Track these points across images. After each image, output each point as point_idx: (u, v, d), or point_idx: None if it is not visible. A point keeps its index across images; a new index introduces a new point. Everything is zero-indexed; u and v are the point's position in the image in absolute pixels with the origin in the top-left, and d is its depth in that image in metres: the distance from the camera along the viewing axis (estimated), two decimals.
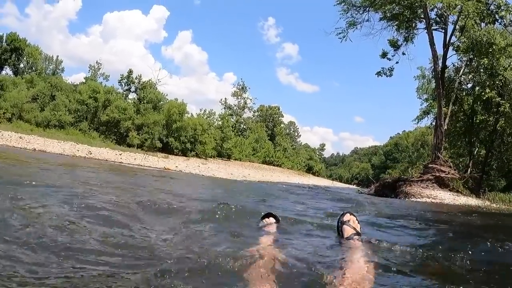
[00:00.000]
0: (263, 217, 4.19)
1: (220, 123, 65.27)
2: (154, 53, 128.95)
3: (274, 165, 72.96)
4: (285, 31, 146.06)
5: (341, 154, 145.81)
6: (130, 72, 51.77)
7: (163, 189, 9.45)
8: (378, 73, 29.20)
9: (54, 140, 31.06)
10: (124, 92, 51.62)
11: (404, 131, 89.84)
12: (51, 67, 64.26)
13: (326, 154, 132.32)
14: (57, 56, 67.64)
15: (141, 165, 25.22)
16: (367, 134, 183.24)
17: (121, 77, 51.70)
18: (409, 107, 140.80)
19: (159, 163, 28.92)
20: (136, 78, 52.00)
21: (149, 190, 8.53)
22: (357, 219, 3.68)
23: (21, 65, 63.33)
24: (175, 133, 48.96)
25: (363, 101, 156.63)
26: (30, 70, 58.10)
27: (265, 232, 3.83)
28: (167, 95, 55.43)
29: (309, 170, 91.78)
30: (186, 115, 52.45)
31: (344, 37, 27.18)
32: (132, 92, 52.85)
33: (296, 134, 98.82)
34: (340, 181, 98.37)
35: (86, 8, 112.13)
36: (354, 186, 74.73)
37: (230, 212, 4.80)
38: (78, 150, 27.16)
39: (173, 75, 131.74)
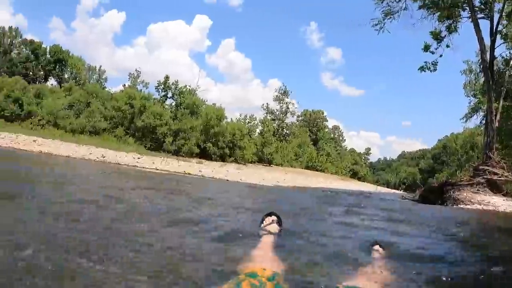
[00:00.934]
0: (266, 216, 4.14)
1: (261, 128, 62.92)
2: (198, 62, 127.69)
3: (317, 170, 69.53)
4: (328, 35, 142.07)
5: (388, 159, 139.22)
6: (167, 78, 50.19)
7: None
8: (421, 68, 25.71)
9: (73, 144, 29.90)
10: (161, 98, 49.92)
11: (452, 133, 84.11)
12: (94, 77, 64.70)
13: (373, 158, 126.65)
14: (100, 66, 68.31)
15: (158, 169, 23.13)
16: (415, 137, 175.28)
17: (158, 83, 50.20)
18: (457, 106, 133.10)
19: (179, 167, 26.59)
20: (172, 84, 50.34)
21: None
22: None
23: (65, 76, 64.04)
24: (212, 138, 46.82)
25: (410, 103, 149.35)
26: (73, 81, 58.51)
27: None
28: (206, 101, 53.53)
29: (354, 175, 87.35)
30: (225, 120, 50.14)
31: (381, 28, 24.21)
32: (169, 98, 51.18)
33: (340, 138, 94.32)
34: (387, 187, 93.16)
35: (130, 21, 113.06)
36: (401, 192, 71.32)
37: None
38: (91, 153, 25.64)
39: (217, 83, 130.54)
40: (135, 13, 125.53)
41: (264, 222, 4.05)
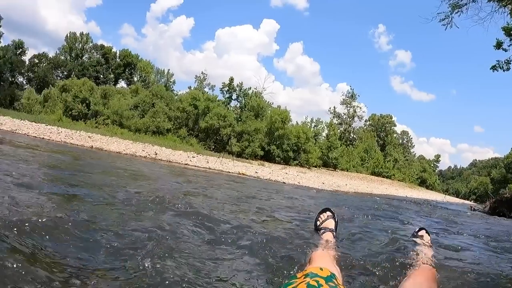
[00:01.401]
0: (320, 213, 3.81)
1: (326, 131, 60.39)
2: (267, 66, 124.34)
3: (383, 177, 65.65)
4: (397, 38, 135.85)
5: (458, 167, 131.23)
6: (231, 80, 49.01)
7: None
8: (493, 67, 22.19)
9: (129, 141, 29.12)
10: (225, 100, 48.76)
11: None
12: (162, 80, 65.35)
13: (443, 166, 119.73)
14: (168, 70, 69.22)
15: (210, 168, 21.95)
16: (487, 145, 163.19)
17: (222, 85, 49.18)
18: None
19: (234, 167, 24.88)
20: (237, 86, 49.08)
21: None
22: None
23: (135, 79, 65.07)
24: (277, 141, 45.02)
25: (483, 109, 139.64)
26: (142, 83, 59.25)
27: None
28: (272, 103, 51.92)
29: (422, 183, 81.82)
30: (289, 123, 48.07)
31: (448, 23, 21.29)
32: (234, 100, 49.94)
33: (409, 144, 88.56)
34: (457, 196, 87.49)
35: (199, 26, 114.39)
36: (471, 202, 67.11)
37: None
38: (143, 151, 24.84)
39: (286, 87, 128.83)
40: (203, 18, 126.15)
41: (319, 219, 3.74)
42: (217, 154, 36.63)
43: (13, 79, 66.67)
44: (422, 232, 3.87)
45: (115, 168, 10.92)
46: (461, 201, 67.64)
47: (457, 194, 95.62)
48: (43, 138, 22.19)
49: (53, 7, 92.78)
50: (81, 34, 68.55)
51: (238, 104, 49.27)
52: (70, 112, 40.02)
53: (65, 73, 61.49)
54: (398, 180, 68.92)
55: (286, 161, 45.29)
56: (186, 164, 22.43)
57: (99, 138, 27.30)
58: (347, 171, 58.69)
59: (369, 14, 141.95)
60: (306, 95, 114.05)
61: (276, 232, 3.83)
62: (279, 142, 44.99)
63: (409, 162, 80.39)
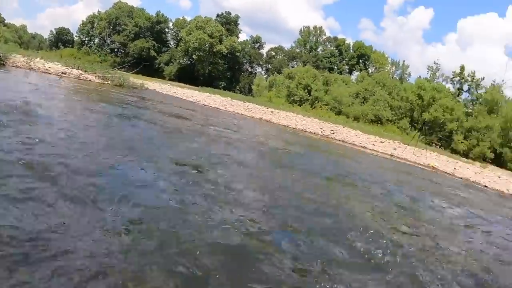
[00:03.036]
0: None
1: None
2: None
3: None
4: None
5: None
6: (462, 69, 43.03)
7: None
8: None
9: (314, 119, 28.73)
10: (456, 91, 43.12)
11: None
12: (398, 72, 62.57)
13: None
14: (404, 61, 66.26)
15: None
16: None
17: (453, 75, 43.67)
18: None
19: (426, 160, 20.86)
20: (469, 76, 42.91)
21: None
22: None
23: (369, 70, 63.99)
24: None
25: None
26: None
27: None
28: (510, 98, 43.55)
29: None
30: None
31: None
32: (465, 91, 43.91)
33: None
34: None
35: (439, 17, 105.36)
36: None
37: None
38: (321, 128, 24.02)
39: None
40: (443, 8, 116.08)
41: None
42: (443, 152, 32.53)
43: (252, 69, 73.38)
44: None
45: None
46: None
47: None
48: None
49: (290, 7, 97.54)
50: (315, 27, 70.77)
51: (470, 97, 43.00)
52: (293, 98, 41.30)
53: (300, 64, 64.18)
54: None
55: None
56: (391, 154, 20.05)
57: (287, 115, 27.75)
58: None
59: None
60: None
61: None
62: None
63: None
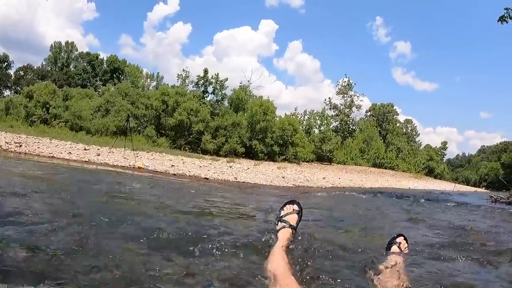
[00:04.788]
0: (285, 204, 3.20)
1: (319, 122, 54.21)
2: (267, 66, 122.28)
3: (385, 168, 58.92)
4: (395, 29, 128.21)
5: (467, 155, 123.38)
6: (206, 72, 43.05)
7: None
8: (501, 18, 16.39)
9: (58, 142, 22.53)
10: (201, 94, 42.70)
11: None
12: (153, 83, 60.69)
13: (451, 155, 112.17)
14: (158, 73, 64.47)
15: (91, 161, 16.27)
16: (495, 131, 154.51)
17: (197, 78, 43.27)
18: None
19: (129, 161, 18.20)
20: (212, 78, 43.16)
21: None
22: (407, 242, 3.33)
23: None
24: (259, 135, 39.01)
25: (488, 95, 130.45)
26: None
27: None
28: (261, 97, 45.23)
29: (430, 172, 74.12)
30: (271, 114, 41.49)
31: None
32: (211, 93, 43.95)
33: (414, 133, 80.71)
34: (467, 184, 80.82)
35: (197, 31, 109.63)
36: (483, 190, 60.39)
37: None
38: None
39: (288, 86, 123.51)
40: (200, 23, 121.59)
41: (284, 209, 3.14)
42: (193, 155, 31.04)
43: None
44: (400, 239, 3.29)
45: None
46: (473, 189, 61.38)
47: (467, 182, 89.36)
48: None
49: (50, 23, 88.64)
50: (66, 43, 64.15)
51: (215, 98, 43.27)
52: (30, 118, 34.94)
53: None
54: (403, 171, 62.06)
55: (271, 157, 39.26)
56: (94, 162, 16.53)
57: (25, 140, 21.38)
58: (344, 164, 52.30)
59: (365, 7, 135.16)
60: (309, 93, 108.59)
61: None
62: (262, 136, 39.00)
63: (414, 151, 73.00)
